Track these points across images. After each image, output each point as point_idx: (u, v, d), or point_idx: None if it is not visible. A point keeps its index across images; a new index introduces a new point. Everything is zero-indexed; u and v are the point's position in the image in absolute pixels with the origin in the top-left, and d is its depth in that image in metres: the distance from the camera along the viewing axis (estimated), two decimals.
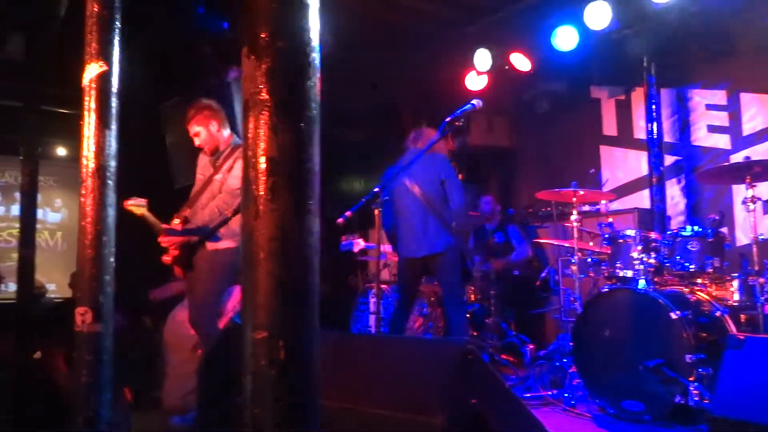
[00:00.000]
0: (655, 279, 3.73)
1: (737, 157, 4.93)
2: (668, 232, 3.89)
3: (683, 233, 3.71)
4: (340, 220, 3.39)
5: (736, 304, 3.55)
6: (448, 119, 3.58)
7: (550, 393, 3.90)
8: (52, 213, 8.23)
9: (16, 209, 7.64)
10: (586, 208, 5.56)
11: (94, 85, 2.01)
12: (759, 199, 3.51)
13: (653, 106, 5.62)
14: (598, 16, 5.23)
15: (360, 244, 5.66)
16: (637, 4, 5.18)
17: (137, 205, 3.51)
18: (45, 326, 4.45)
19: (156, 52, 5.15)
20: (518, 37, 5.98)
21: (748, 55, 5.13)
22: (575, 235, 4.19)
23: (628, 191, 6.06)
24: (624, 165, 6.20)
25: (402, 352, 2.22)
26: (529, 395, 3.95)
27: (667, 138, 5.74)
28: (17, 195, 6.50)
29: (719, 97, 5.44)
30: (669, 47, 5.49)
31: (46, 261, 7.36)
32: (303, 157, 1.10)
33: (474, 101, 3.59)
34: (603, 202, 5.31)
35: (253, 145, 1.10)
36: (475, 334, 5.04)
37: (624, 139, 6.21)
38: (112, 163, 2.03)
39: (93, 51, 2.01)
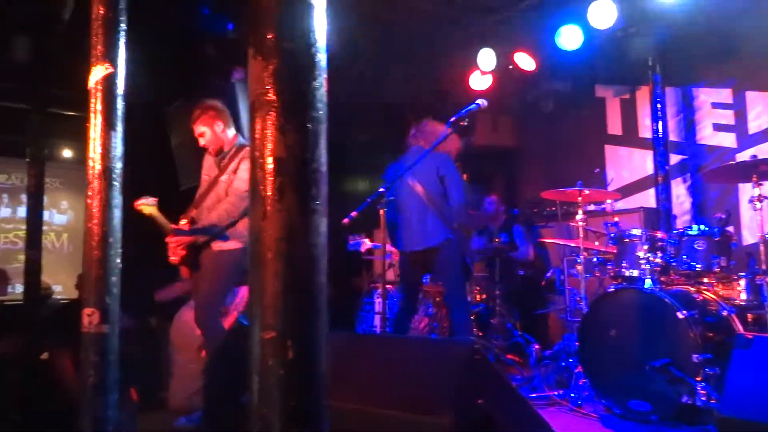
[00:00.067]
0: (662, 278, 3.72)
1: (743, 156, 4.89)
2: (674, 232, 3.88)
3: (689, 232, 3.70)
4: (345, 220, 3.40)
5: (743, 303, 3.54)
6: (452, 119, 3.58)
7: (556, 393, 3.89)
8: (59, 215, 8.25)
9: (22, 211, 7.67)
10: (592, 207, 5.55)
11: (100, 87, 2.01)
12: (765, 197, 3.49)
13: (658, 105, 5.60)
14: (603, 15, 5.20)
15: (367, 243, 5.66)
16: (641, 2, 5.16)
17: (148, 204, 3.52)
18: (52, 327, 4.47)
19: (161, 54, 5.15)
20: (523, 36, 5.96)
21: (754, 53, 5.11)
22: (581, 234, 4.18)
23: (633, 190, 6.04)
24: (629, 164, 6.18)
25: (409, 353, 2.22)
26: (535, 395, 3.94)
27: (673, 137, 5.72)
28: (24, 197, 6.52)
29: (725, 95, 5.42)
30: (674, 46, 5.47)
31: (52, 262, 7.37)
32: (310, 157, 1.10)
33: (478, 101, 3.58)
34: (608, 201, 5.30)
35: (261, 145, 1.09)
36: (480, 334, 5.04)
37: (629, 138, 6.19)
38: (118, 165, 2.04)
39: (99, 53, 2.02)
